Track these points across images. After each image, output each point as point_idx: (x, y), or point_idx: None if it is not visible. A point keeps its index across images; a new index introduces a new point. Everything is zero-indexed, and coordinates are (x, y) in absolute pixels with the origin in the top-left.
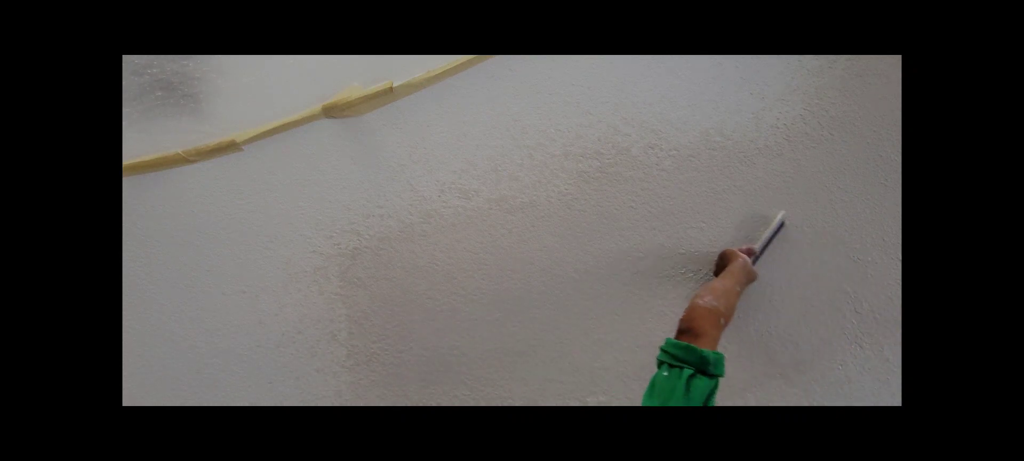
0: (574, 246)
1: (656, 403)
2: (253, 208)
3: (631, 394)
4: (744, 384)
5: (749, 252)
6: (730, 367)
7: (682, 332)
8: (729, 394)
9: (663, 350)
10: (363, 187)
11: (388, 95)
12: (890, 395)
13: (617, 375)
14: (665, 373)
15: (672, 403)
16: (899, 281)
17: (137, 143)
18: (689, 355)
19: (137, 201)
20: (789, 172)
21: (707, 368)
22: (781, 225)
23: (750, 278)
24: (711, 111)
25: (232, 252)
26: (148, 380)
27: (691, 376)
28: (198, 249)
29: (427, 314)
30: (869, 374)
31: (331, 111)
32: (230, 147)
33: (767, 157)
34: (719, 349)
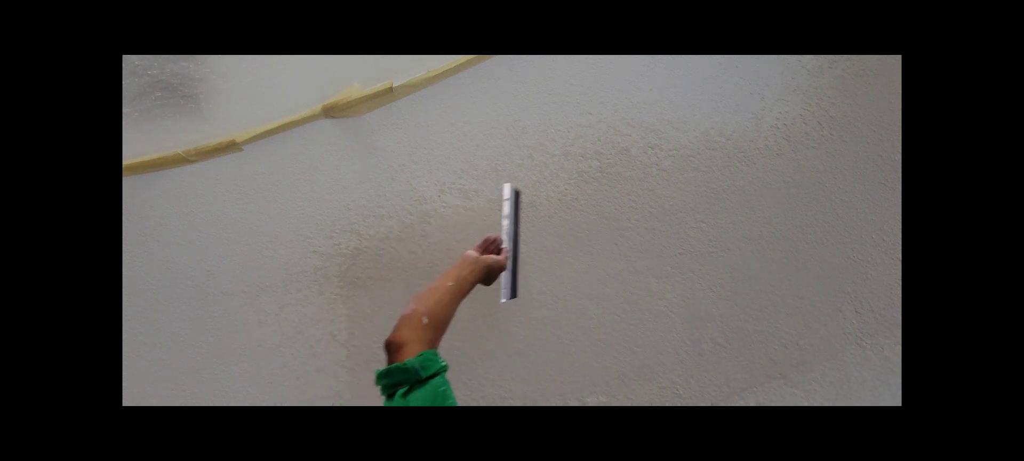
0: (574, 246)
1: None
2: (253, 208)
3: (631, 394)
4: (744, 384)
5: (494, 242)
6: (730, 367)
7: (387, 351)
8: (729, 394)
9: (377, 384)
10: (363, 187)
11: (388, 95)
12: (890, 395)
13: (617, 375)
14: (385, 403)
15: None
16: (899, 281)
17: (137, 143)
18: (396, 376)
19: (137, 201)
20: (789, 172)
21: (419, 376)
22: (515, 196)
23: (478, 267)
24: (711, 111)
25: (232, 252)
26: (148, 380)
27: (407, 392)
28: (198, 249)
29: None
30: (869, 374)
31: (331, 111)
32: (230, 147)
33: (767, 157)
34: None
